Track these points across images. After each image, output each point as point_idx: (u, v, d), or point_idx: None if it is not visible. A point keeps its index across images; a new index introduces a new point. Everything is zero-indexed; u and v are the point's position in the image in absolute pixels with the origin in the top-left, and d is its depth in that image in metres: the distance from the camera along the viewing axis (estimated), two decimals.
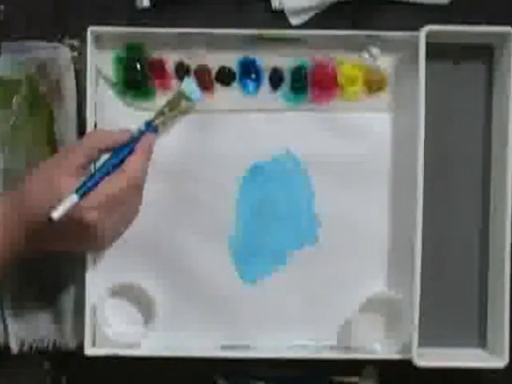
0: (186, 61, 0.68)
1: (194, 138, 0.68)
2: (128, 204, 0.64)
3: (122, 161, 0.62)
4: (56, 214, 0.58)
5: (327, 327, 0.69)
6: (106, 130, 0.66)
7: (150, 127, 0.65)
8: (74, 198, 0.58)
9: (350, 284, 0.69)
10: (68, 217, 0.58)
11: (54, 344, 0.68)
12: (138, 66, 0.68)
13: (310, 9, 0.69)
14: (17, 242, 0.60)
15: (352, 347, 0.68)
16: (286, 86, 0.68)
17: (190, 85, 0.66)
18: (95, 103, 0.68)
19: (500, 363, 0.66)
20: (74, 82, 0.68)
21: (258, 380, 0.70)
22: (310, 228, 0.69)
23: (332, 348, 0.69)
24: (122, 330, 0.68)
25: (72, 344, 0.68)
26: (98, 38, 0.67)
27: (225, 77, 0.68)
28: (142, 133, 0.64)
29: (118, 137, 0.63)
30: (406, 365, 0.66)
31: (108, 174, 0.61)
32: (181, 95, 0.66)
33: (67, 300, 0.68)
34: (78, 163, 0.61)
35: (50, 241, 0.62)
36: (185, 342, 0.68)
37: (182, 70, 0.68)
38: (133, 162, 0.62)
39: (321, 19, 0.69)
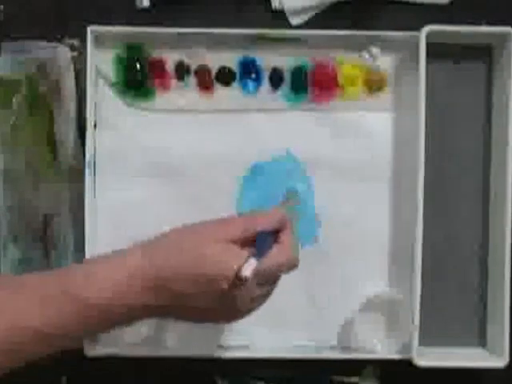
0: (186, 61, 0.68)
1: (194, 137, 0.68)
2: (272, 284, 0.59)
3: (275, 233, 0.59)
4: (247, 273, 0.53)
5: (327, 327, 0.69)
6: (268, 214, 0.60)
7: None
8: (253, 262, 0.54)
9: (350, 284, 0.69)
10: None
11: None
12: (138, 65, 0.68)
13: (310, 9, 0.69)
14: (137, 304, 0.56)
15: (352, 347, 0.68)
16: (286, 86, 0.68)
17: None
18: (95, 103, 0.67)
19: (500, 363, 0.66)
20: (73, 81, 0.68)
21: (258, 380, 0.70)
22: (310, 228, 0.69)
23: (332, 348, 0.69)
24: (122, 330, 0.68)
25: None
26: (97, 38, 0.67)
27: (225, 77, 0.68)
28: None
29: (277, 218, 0.59)
30: (406, 365, 0.66)
31: (266, 246, 0.57)
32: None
33: None
34: (230, 235, 0.56)
35: (169, 308, 0.57)
36: (185, 342, 0.68)
37: (181, 70, 0.68)
38: (287, 238, 0.58)
39: (321, 19, 0.69)
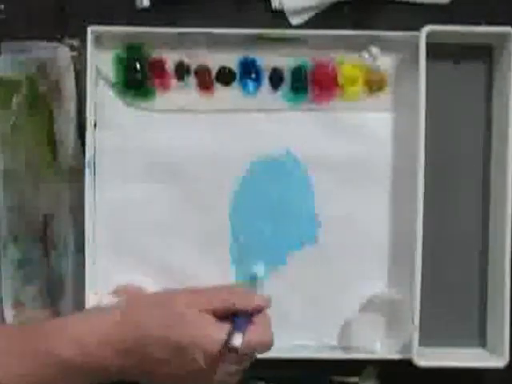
0: (186, 61, 0.68)
1: (194, 137, 0.68)
2: (246, 361, 0.60)
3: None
4: (237, 342, 0.55)
5: (327, 327, 0.69)
6: (245, 291, 0.63)
7: None
8: (239, 337, 0.55)
9: (350, 284, 0.69)
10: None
11: None
12: (138, 65, 0.68)
13: (310, 9, 0.69)
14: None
15: (352, 347, 0.68)
16: (286, 86, 0.68)
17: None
18: (95, 103, 0.67)
19: (500, 363, 0.66)
20: (73, 81, 0.68)
21: (258, 380, 0.70)
22: (310, 228, 0.69)
23: (332, 348, 0.69)
24: None
25: None
26: (97, 38, 0.67)
27: (225, 77, 0.68)
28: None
29: (259, 303, 0.60)
30: (406, 365, 0.66)
31: (245, 326, 0.58)
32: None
33: (67, 300, 0.68)
34: (205, 305, 0.57)
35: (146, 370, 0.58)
36: None
37: (181, 70, 0.68)
38: (263, 320, 0.60)
39: (321, 19, 0.69)
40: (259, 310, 0.60)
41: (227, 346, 0.55)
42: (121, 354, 0.56)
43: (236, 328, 0.56)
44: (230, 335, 0.56)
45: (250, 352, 0.58)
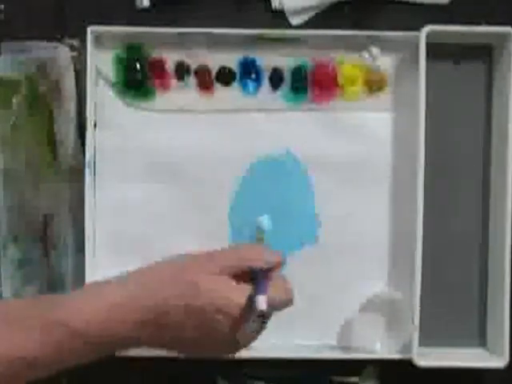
0: (186, 61, 0.68)
1: (194, 137, 0.68)
2: (267, 319, 0.59)
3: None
4: (263, 306, 0.54)
5: (327, 327, 0.69)
6: (263, 249, 0.62)
7: None
8: (264, 297, 0.55)
9: (350, 284, 0.69)
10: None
11: None
12: (138, 65, 0.68)
13: (310, 9, 0.69)
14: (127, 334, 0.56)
15: (352, 347, 0.68)
16: (286, 86, 0.68)
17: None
18: (95, 103, 0.67)
19: (500, 363, 0.66)
20: (73, 81, 0.68)
21: (258, 380, 0.70)
22: (310, 228, 0.69)
23: (332, 348, 0.69)
24: None
25: None
26: (97, 38, 0.67)
27: (225, 77, 0.68)
28: None
29: (276, 259, 0.59)
30: (406, 365, 0.66)
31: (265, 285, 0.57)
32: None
33: None
34: (225, 266, 0.57)
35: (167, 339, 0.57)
36: None
37: (181, 70, 0.68)
38: (280, 277, 0.60)
39: (321, 19, 0.69)
40: (275, 266, 0.59)
41: (252, 309, 0.55)
42: (138, 324, 0.55)
43: (258, 290, 0.56)
44: (252, 298, 0.55)
45: (272, 309, 0.58)
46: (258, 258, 0.58)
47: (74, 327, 0.55)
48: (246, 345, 0.59)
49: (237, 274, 0.57)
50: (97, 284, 0.60)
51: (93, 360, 0.58)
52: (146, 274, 0.58)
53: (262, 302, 0.54)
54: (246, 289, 0.56)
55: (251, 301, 0.55)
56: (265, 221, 0.66)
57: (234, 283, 0.56)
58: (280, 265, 0.60)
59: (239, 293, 0.56)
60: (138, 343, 0.57)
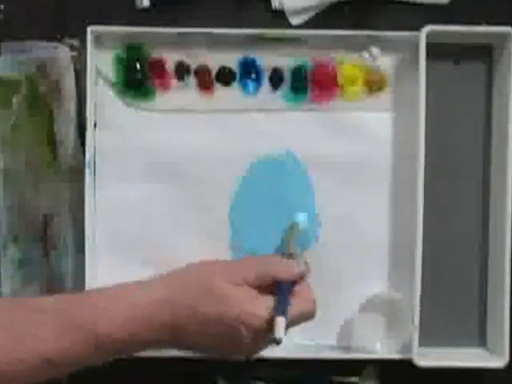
0: (186, 61, 0.68)
1: (194, 137, 0.68)
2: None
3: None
4: (281, 335, 0.55)
5: (327, 327, 0.69)
6: (286, 261, 0.62)
7: None
8: (283, 320, 0.55)
9: (350, 284, 0.69)
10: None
11: None
12: (138, 65, 0.68)
13: (310, 9, 0.69)
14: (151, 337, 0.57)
15: (352, 347, 0.68)
16: (286, 86, 0.68)
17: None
18: (95, 103, 0.67)
19: (500, 363, 0.66)
20: (73, 81, 0.68)
21: (258, 380, 0.70)
22: (310, 228, 0.69)
23: (332, 348, 0.69)
24: None
25: None
26: (97, 38, 0.67)
27: (225, 77, 0.68)
28: None
29: (294, 270, 0.60)
30: (406, 365, 0.66)
31: (288, 298, 0.58)
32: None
33: None
34: (247, 279, 0.57)
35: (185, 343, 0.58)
36: None
37: (181, 70, 0.68)
38: (304, 288, 0.60)
39: (321, 19, 0.69)
40: (300, 278, 0.60)
41: (271, 338, 0.55)
42: (162, 328, 0.56)
43: (278, 306, 0.56)
44: (274, 311, 0.55)
45: (293, 324, 0.58)
46: (284, 271, 0.59)
47: (100, 327, 0.55)
48: (261, 351, 0.60)
49: (262, 285, 0.58)
50: (121, 285, 0.60)
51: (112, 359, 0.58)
52: (174, 279, 0.59)
53: (280, 330, 0.55)
54: (269, 301, 0.57)
55: (273, 313, 0.56)
56: (302, 218, 0.66)
57: (257, 294, 0.57)
58: (305, 275, 0.61)
59: (263, 305, 0.56)
60: (159, 346, 0.58)
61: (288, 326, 0.57)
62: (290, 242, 0.64)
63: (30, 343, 0.54)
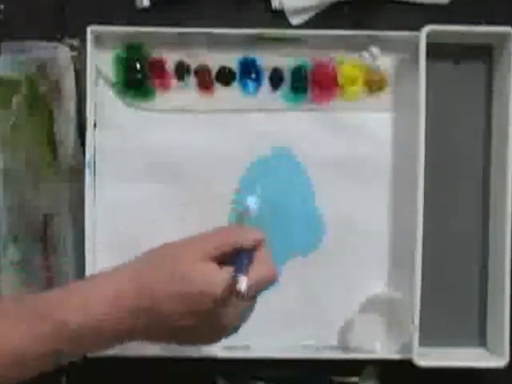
0: (186, 61, 0.68)
1: (194, 137, 0.68)
2: (253, 299, 0.59)
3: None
4: (242, 287, 0.55)
5: (327, 327, 0.69)
6: (244, 229, 0.61)
7: None
8: (244, 277, 0.55)
9: (350, 284, 0.69)
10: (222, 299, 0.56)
11: None
12: (138, 65, 0.68)
13: (310, 9, 0.69)
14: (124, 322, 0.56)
15: (352, 347, 0.68)
16: (286, 86, 0.68)
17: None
18: (95, 103, 0.68)
19: (500, 363, 0.66)
20: (73, 81, 0.68)
21: (258, 380, 0.70)
22: (311, 228, 0.69)
23: (332, 348, 0.69)
24: None
25: None
26: (97, 38, 0.67)
27: (225, 77, 0.68)
28: None
29: (254, 236, 0.59)
30: (406, 365, 0.66)
31: (248, 264, 0.57)
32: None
33: None
34: (207, 251, 0.57)
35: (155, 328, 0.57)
36: None
37: (181, 70, 0.68)
38: (265, 255, 0.59)
39: (321, 19, 0.69)
40: (258, 245, 0.59)
41: (234, 291, 0.55)
42: (133, 313, 0.55)
43: (237, 270, 0.56)
44: (233, 280, 0.55)
45: (256, 291, 0.58)
46: (241, 237, 0.58)
47: (68, 320, 0.55)
48: (237, 326, 0.59)
49: (220, 256, 0.57)
50: (92, 276, 0.60)
51: (92, 352, 0.58)
52: (138, 263, 0.58)
53: (241, 283, 0.55)
54: (228, 270, 0.56)
55: (234, 281, 0.56)
56: (252, 200, 0.65)
57: (215, 266, 0.57)
58: (263, 242, 0.60)
59: (223, 275, 0.56)
60: (133, 335, 0.57)
61: (251, 290, 0.56)
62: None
63: None
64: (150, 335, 0.58)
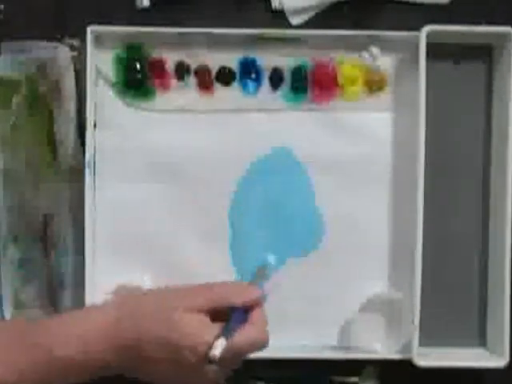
0: (186, 61, 0.68)
1: (194, 137, 0.68)
2: (235, 363, 0.59)
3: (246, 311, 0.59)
4: (217, 353, 0.54)
5: (327, 327, 0.69)
6: (241, 285, 0.63)
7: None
8: (223, 342, 0.55)
9: (350, 284, 0.69)
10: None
11: None
12: (138, 65, 0.68)
13: (310, 9, 0.69)
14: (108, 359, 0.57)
15: (352, 347, 0.68)
16: (286, 86, 0.68)
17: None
18: (95, 103, 0.67)
19: (500, 363, 0.66)
20: (73, 81, 0.68)
21: (258, 380, 0.70)
22: (311, 228, 0.69)
23: (332, 348, 0.69)
24: None
25: None
26: (97, 38, 0.67)
27: (225, 77, 0.68)
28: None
29: (250, 296, 0.59)
30: (406, 365, 0.66)
31: (239, 324, 0.57)
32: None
33: (67, 300, 0.68)
34: (201, 305, 0.57)
35: (138, 367, 0.58)
36: None
37: (181, 70, 0.68)
38: (259, 316, 0.59)
39: (321, 19, 0.69)
40: (255, 304, 0.59)
41: (206, 355, 0.55)
42: (120, 351, 0.57)
43: (223, 331, 0.56)
44: (211, 344, 0.55)
45: (241, 353, 0.58)
46: (238, 296, 0.59)
47: (55, 351, 0.56)
48: (220, 380, 0.59)
49: (213, 311, 0.57)
50: (77, 310, 0.61)
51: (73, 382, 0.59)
52: (131, 304, 0.59)
53: (216, 348, 0.55)
54: (218, 328, 0.56)
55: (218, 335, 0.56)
56: (272, 257, 0.66)
57: (208, 321, 0.57)
58: (260, 302, 0.60)
59: (211, 331, 0.56)
60: (115, 369, 0.58)
61: (239, 353, 0.57)
62: (257, 283, 0.64)
63: None
64: (133, 372, 0.59)
